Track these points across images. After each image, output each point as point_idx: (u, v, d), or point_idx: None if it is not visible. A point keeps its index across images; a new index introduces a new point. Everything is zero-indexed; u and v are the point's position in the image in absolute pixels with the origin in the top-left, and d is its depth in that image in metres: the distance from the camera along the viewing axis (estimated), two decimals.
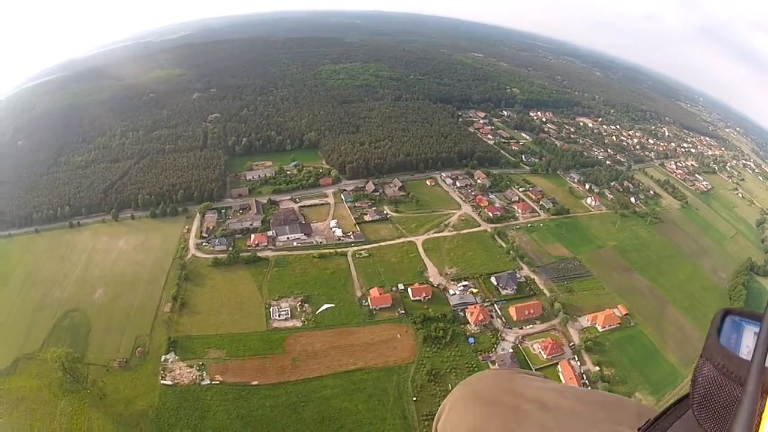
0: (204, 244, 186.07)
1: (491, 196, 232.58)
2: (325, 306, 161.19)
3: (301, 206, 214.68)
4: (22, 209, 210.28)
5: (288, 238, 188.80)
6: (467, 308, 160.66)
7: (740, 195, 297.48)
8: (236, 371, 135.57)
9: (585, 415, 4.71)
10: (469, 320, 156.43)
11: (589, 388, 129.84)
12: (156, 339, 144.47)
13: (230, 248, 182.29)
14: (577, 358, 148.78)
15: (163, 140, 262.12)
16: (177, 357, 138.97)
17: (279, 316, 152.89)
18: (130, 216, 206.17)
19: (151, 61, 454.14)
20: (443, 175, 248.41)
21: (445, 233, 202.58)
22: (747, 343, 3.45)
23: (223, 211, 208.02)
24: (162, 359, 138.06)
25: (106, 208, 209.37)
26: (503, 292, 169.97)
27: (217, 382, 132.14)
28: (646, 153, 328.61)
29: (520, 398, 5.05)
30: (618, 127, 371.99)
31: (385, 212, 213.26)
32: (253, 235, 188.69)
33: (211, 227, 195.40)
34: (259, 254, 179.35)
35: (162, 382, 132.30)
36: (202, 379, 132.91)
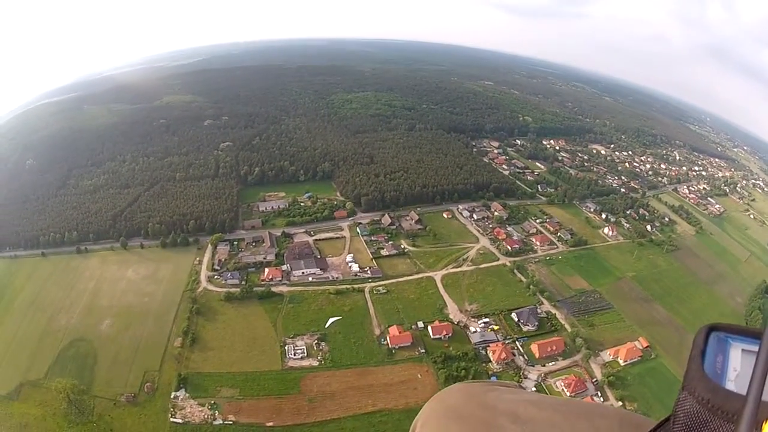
0: (216, 277, 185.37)
1: (509, 228, 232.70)
2: (332, 319, 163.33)
3: (316, 239, 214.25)
4: (28, 231, 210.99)
5: (303, 272, 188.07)
6: (489, 346, 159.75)
7: (752, 216, 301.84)
8: (250, 411, 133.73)
9: (562, 425, 4.66)
10: (491, 358, 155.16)
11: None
12: (166, 375, 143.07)
13: (243, 282, 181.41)
14: (600, 394, 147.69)
15: (174, 167, 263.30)
16: (188, 394, 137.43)
17: (294, 354, 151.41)
18: (139, 245, 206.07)
19: (163, 86, 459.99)
20: (460, 207, 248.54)
21: (464, 268, 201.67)
22: (735, 365, 3.22)
23: (235, 243, 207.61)
24: (172, 396, 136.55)
25: (115, 235, 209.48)
26: (524, 329, 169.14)
27: (231, 422, 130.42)
28: (659, 179, 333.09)
29: (492, 411, 5.02)
30: (630, 153, 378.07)
31: (402, 246, 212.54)
32: (267, 269, 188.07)
33: (223, 259, 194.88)
34: (273, 289, 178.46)
35: (172, 420, 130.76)
36: (215, 419, 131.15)
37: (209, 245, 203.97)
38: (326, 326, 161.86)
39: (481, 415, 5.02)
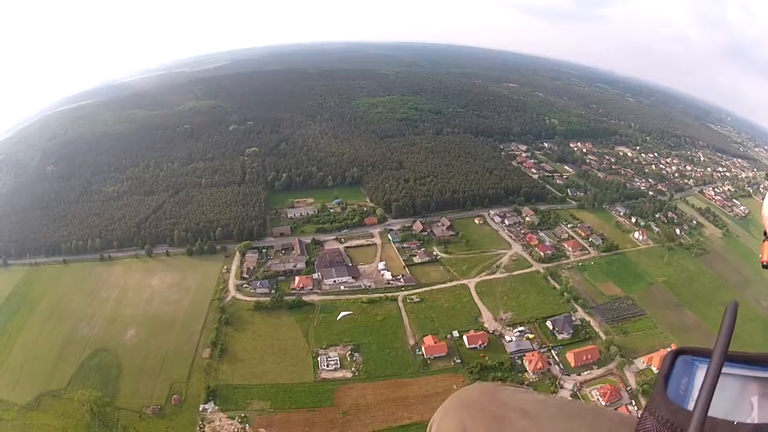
0: (245, 285, 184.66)
1: (541, 234, 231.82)
2: (343, 313, 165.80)
3: (347, 247, 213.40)
4: (49, 237, 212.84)
5: (335, 281, 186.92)
6: (524, 355, 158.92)
7: None
8: (282, 425, 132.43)
9: (567, 422, 5.16)
10: (527, 368, 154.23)
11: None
12: (194, 386, 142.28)
13: (273, 291, 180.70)
14: (634, 403, 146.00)
15: (200, 173, 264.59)
16: (217, 407, 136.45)
17: (327, 366, 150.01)
18: (164, 252, 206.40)
19: (185, 92, 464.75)
20: (491, 212, 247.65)
21: (497, 275, 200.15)
22: (699, 387, 3.44)
23: (264, 250, 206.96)
24: (200, 408, 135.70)
25: (140, 242, 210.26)
26: (559, 337, 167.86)
27: None
28: (685, 181, 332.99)
29: (504, 407, 5.52)
30: (656, 155, 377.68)
31: (434, 253, 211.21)
32: (297, 278, 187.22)
33: (251, 268, 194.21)
34: (304, 298, 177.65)
35: None
36: None
37: (237, 253, 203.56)
38: (338, 318, 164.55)
39: (494, 410, 5.53)
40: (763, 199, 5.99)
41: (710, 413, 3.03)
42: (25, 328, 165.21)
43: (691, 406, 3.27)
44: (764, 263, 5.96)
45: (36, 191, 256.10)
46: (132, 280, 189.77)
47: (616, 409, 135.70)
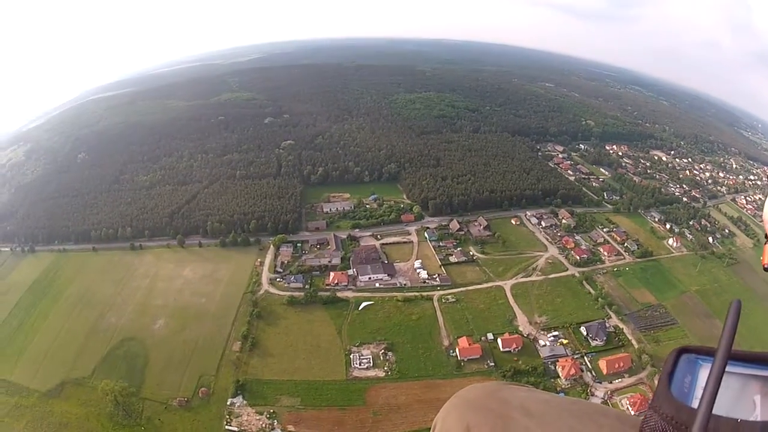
0: (278, 279, 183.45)
1: (577, 237, 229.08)
2: (365, 303, 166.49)
3: (383, 244, 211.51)
4: (79, 225, 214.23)
5: (370, 278, 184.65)
6: (558, 361, 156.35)
7: None
8: (311, 422, 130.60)
9: (569, 420, 5.16)
10: (560, 374, 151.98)
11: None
12: (222, 380, 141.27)
13: (307, 286, 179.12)
14: None
15: (234, 165, 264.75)
16: (245, 401, 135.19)
17: (360, 364, 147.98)
18: (197, 243, 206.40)
19: (220, 83, 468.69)
20: (528, 213, 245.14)
21: (533, 278, 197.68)
22: (702, 385, 3.60)
23: (299, 245, 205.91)
24: (228, 402, 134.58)
25: (172, 232, 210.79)
26: (593, 343, 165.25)
27: None
28: (718, 188, 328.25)
29: (507, 405, 5.54)
30: (689, 160, 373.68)
31: (471, 253, 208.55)
32: (332, 273, 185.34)
33: (285, 262, 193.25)
34: (339, 294, 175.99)
35: (227, 427, 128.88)
36: (273, 428, 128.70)
37: (271, 246, 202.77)
38: (359, 309, 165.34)
39: (497, 408, 5.53)
40: None
41: (714, 411, 3.13)
42: (50, 315, 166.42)
43: (694, 404, 3.40)
44: (766, 266, 5.95)
45: (66, 179, 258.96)
46: (163, 270, 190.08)
47: None
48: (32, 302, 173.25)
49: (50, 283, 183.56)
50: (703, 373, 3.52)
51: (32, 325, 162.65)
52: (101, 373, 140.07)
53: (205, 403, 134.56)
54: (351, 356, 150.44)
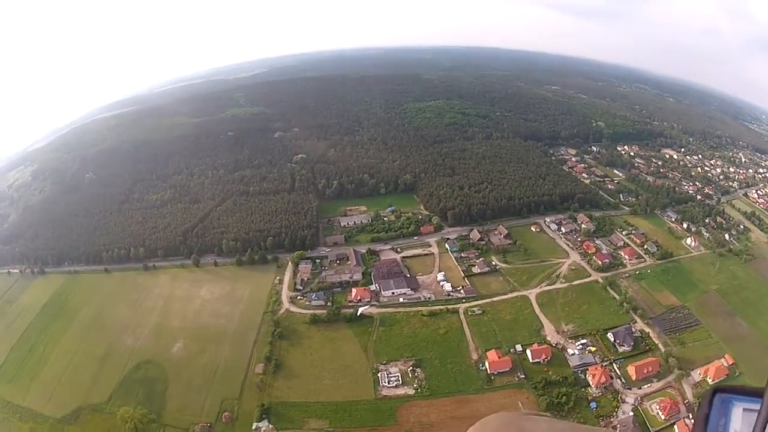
0: (299, 297, 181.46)
1: (597, 241, 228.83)
2: (362, 308, 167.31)
3: (404, 257, 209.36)
4: (89, 246, 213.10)
5: (393, 293, 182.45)
6: (587, 369, 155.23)
7: None
8: None
9: None
10: (591, 383, 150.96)
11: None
12: (246, 403, 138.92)
13: (329, 303, 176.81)
14: (691, 417, 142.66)
15: (247, 181, 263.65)
16: (271, 425, 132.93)
17: (388, 382, 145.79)
18: (212, 262, 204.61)
19: (226, 99, 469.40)
20: (547, 219, 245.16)
21: (557, 285, 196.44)
22: (735, 426, 3.65)
23: (318, 261, 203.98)
24: (253, 427, 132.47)
25: (186, 252, 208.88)
26: (620, 349, 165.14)
27: None
28: (730, 183, 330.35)
29: None
30: (700, 156, 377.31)
31: (493, 263, 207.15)
32: (354, 290, 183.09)
33: (305, 279, 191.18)
34: (362, 310, 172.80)
35: None
36: None
37: (290, 263, 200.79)
38: (358, 314, 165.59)
39: None
40: None
41: None
42: (63, 339, 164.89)
43: None
44: None
45: (74, 199, 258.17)
46: (178, 290, 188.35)
47: (673, 424, 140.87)
48: (44, 325, 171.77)
49: (62, 305, 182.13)
50: (736, 413, 3.50)
51: (44, 348, 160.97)
52: (118, 399, 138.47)
53: (229, 428, 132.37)
54: (378, 374, 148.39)
